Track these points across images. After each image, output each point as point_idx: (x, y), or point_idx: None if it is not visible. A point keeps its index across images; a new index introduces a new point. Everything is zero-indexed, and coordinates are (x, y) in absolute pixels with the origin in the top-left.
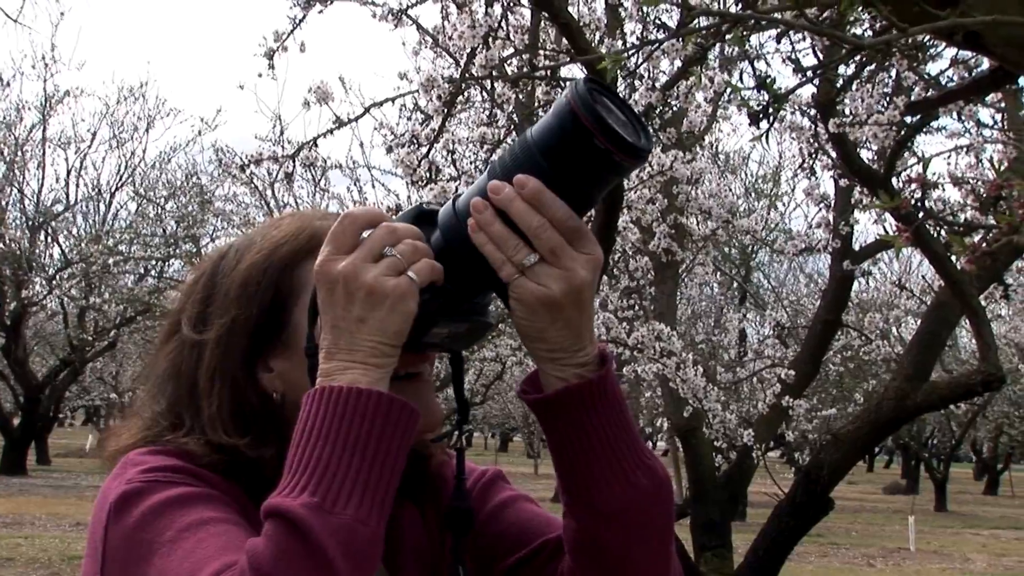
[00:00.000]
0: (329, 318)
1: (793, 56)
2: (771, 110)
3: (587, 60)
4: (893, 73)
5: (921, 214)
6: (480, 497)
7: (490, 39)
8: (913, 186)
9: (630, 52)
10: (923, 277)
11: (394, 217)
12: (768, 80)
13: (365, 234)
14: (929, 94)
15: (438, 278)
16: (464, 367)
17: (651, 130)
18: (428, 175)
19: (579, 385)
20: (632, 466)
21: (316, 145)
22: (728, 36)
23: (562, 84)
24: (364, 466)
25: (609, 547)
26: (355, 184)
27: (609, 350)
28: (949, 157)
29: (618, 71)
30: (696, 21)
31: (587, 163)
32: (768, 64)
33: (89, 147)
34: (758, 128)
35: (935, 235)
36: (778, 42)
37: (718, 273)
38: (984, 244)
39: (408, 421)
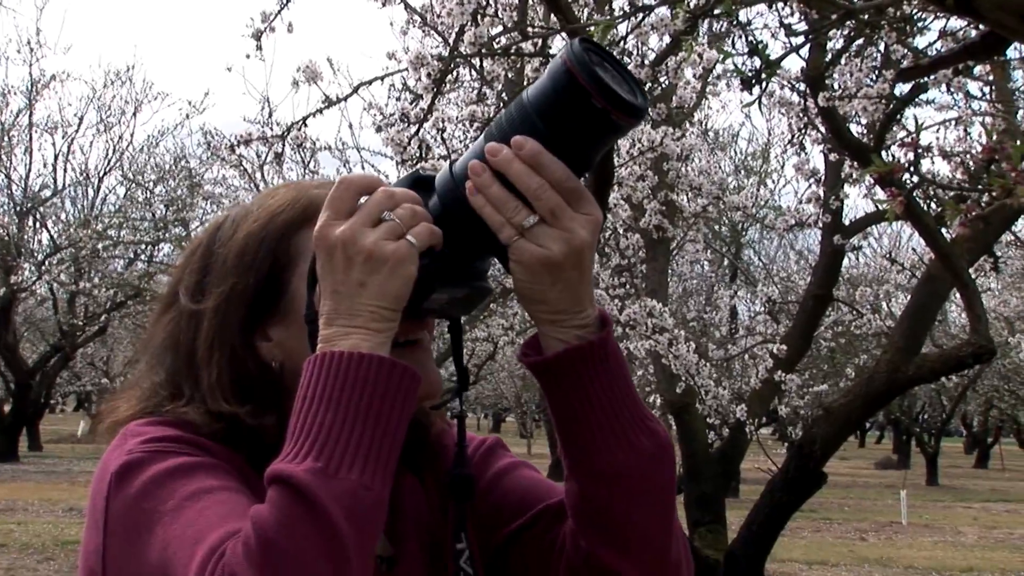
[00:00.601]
0: (328, 283)
1: (784, 21)
2: (763, 76)
3: (574, 30)
4: (881, 46)
5: (915, 179)
6: (480, 464)
7: (479, 16)
8: (906, 151)
9: (619, 20)
10: (913, 250)
11: (391, 183)
12: (760, 46)
13: (363, 199)
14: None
15: (437, 242)
16: (463, 335)
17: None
18: (418, 154)
19: (580, 347)
20: (634, 429)
21: (305, 125)
22: (718, 9)
23: (552, 58)
24: (367, 430)
25: (611, 510)
26: (344, 165)
27: (609, 313)
28: (938, 131)
29: (606, 45)
30: None
31: (584, 123)
32: (755, 39)
33: (76, 131)
34: (750, 94)
35: (925, 208)
36: (769, 7)
37: (708, 250)
38: (978, 208)
39: (410, 385)
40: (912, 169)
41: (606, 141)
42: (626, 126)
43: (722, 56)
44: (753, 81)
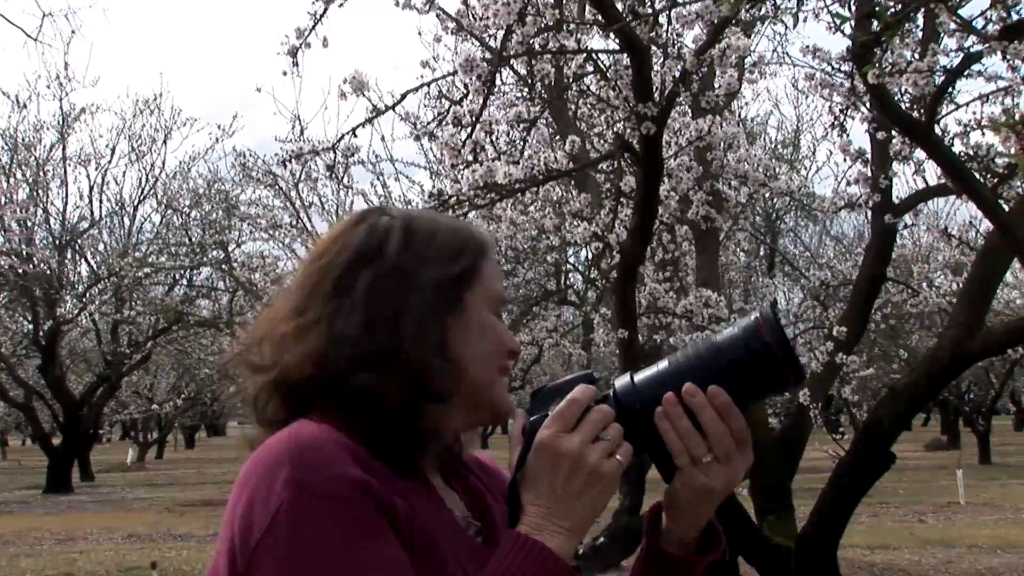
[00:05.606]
0: (547, 485)
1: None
2: (883, 39)
3: (623, 28)
4: (920, 20)
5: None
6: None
7: (523, 16)
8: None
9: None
10: (969, 222)
11: (567, 379)
12: (878, 8)
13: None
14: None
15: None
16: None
17: (686, 98)
18: (471, 157)
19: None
20: None
21: (355, 135)
22: None
23: (594, 57)
24: None
25: None
26: (378, 178)
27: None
28: (985, 103)
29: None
30: None
31: (763, 381)
32: (804, 20)
33: (109, 162)
34: (867, 57)
35: (982, 180)
36: None
37: (746, 240)
38: None
39: None
40: None
41: (769, 396)
42: (791, 390)
43: (839, 21)
44: (872, 44)
